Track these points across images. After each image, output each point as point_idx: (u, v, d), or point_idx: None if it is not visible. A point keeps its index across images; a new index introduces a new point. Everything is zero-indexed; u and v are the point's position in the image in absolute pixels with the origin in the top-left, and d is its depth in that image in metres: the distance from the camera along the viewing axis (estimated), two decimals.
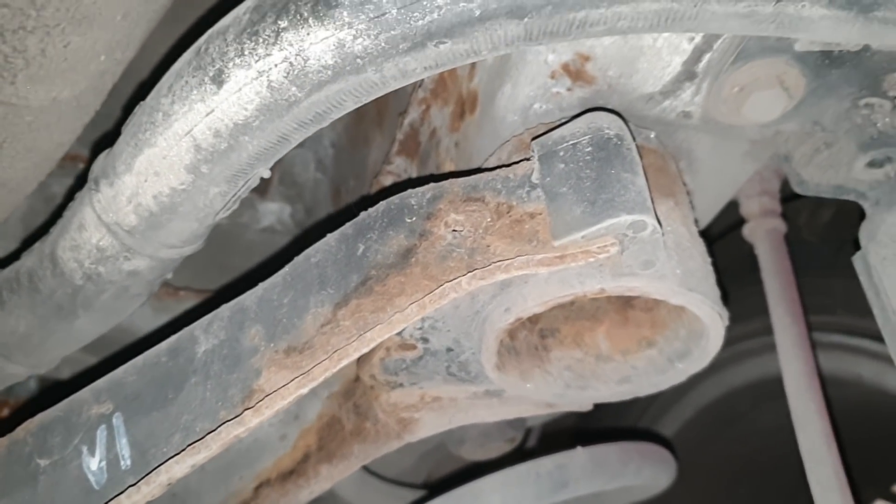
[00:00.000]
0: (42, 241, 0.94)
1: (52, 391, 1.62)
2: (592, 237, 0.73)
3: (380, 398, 0.98)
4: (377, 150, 1.33)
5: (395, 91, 1.08)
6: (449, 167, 1.04)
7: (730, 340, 1.66)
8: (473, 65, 0.98)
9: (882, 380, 1.36)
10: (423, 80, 1.09)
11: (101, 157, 0.85)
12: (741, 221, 1.37)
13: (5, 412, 1.72)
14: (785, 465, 1.79)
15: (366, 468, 1.49)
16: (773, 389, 1.70)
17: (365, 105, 0.77)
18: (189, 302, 1.45)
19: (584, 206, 0.74)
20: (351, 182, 1.46)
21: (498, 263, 0.75)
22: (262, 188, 1.62)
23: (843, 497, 0.94)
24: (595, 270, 0.77)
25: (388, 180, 1.19)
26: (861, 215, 0.95)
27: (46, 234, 0.94)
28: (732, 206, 1.38)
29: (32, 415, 0.92)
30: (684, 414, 1.80)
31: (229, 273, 1.54)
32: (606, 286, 0.78)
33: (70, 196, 1.38)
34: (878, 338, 1.39)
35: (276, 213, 1.62)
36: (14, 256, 1.08)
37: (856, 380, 1.40)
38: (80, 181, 1.37)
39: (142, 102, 0.80)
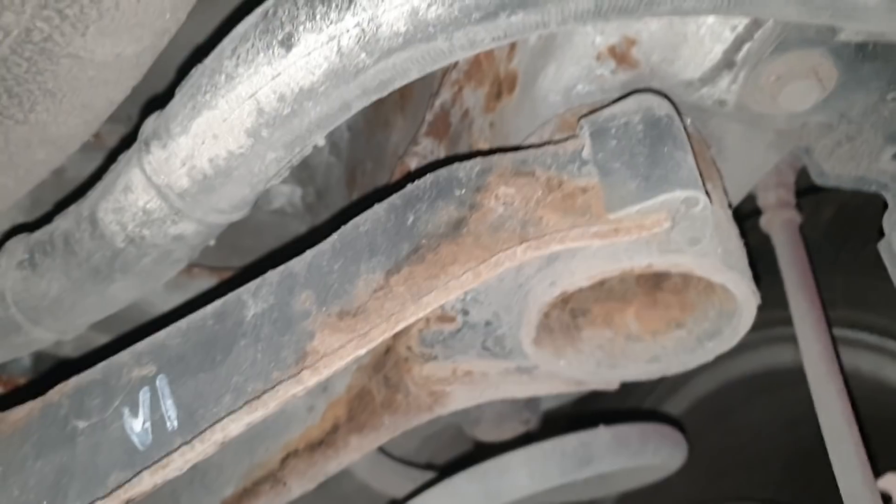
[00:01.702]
0: (79, 203, 0.94)
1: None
2: (647, 211, 0.75)
3: (412, 371, 0.99)
4: (398, 134, 1.34)
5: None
6: (483, 147, 1.06)
7: None
8: (513, 46, 1.00)
9: (880, 373, 1.40)
10: (457, 62, 1.10)
11: (152, 118, 0.85)
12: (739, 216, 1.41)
13: None
14: (775, 458, 1.84)
15: (379, 448, 1.50)
16: (766, 383, 1.74)
17: None
18: (202, 279, 1.44)
19: (638, 181, 0.76)
20: (368, 165, 1.46)
21: (553, 234, 0.76)
22: None
23: (865, 476, 0.98)
24: (643, 246, 0.79)
25: (413, 161, 1.20)
26: (871, 209, 0.98)
27: (83, 197, 0.94)
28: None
29: (29, 393, 0.91)
30: (680, 405, 1.84)
31: (240, 253, 1.54)
32: (654, 261, 0.80)
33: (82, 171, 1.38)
34: (877, 331, 1.44)
35: (287, 195, 1.62)
36: (22, 228, 1.07)
37: (854, 372, 1.44)
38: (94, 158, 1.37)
39: (200, 64, 0.81)
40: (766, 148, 1.04)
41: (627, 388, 1.95)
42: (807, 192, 1.51)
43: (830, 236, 1.48)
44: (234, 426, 0.74)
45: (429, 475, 1.55)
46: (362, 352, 0.74)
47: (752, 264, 1.39)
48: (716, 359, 1.78)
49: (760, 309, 1.40)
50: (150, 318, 1.42)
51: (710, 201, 0.77)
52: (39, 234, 0.97)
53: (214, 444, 0.74)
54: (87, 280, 0.93)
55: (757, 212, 1.32)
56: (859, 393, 1.45)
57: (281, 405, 0.74)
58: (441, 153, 1.17)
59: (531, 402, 1.28)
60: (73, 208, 0.94)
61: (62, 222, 0.95)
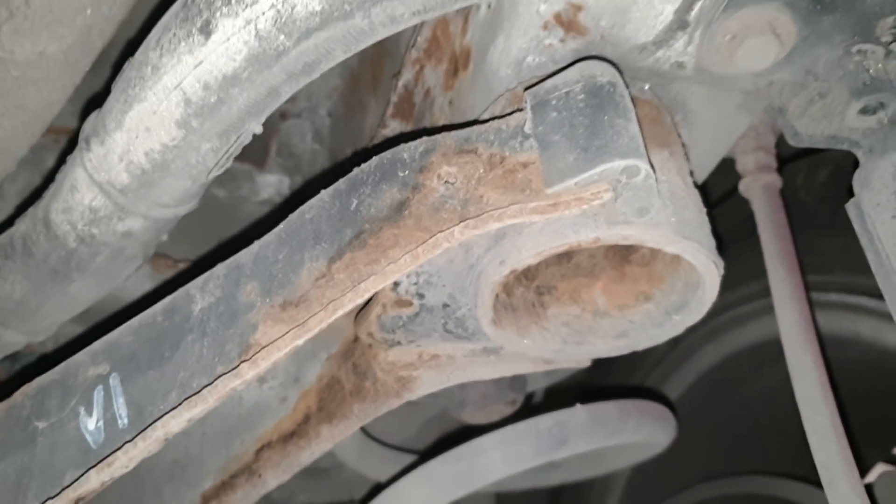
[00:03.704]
0: (35, 205, 0.94)
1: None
2: (585, 183, 0.73)
3: (378, 357, 0.98)
4: (373, 116, 1.33)
5: (390, 54, 1.07)
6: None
7: (730, 303, 1.67)
8: (466, 20, 0.98)
9: (880, 337, 1.36)
10: (416, 40, 1.08)
11: (92, 116, 0.85)
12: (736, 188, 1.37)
13: None
14: (787, 427, 1.80)
15: (368, 435, 1.50)
16: (774, 352, 1.70)
17: (360, 70, 0.77)
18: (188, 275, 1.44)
19: (576, 153, 0.74)
20: (349, 150, 1.46)
21: (491, 212, 0.74)
22: (260, 160, 1.61)
23: (840, 446, 0.95)
24: (589, 220, 0.77)
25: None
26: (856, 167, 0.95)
27: (39, 199, 0.94)
28: (731, 173, 1.38)
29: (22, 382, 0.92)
30: (686, 378, 1.81)
31: (229, 246, 1.54)
32: (601, 234, 0.77)
33: None
34: (876, 295, 1.39)
35: (274, 185, 1.62)
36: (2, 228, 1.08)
37: (854, 338, 1.40)
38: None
39: (131, 58, 0.80)
40: (735, 110, 1.01)
41: (630, 363, 1.94)
42: (801, 154, 1.47)
43: (826, 199, 1.43)
44: (174, 422, 0.73)
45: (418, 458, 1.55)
46: (300, 341, 0.73)
47: (744, 234, 1.37)
48: (721, 329, 1.75)
49: (763, 277, 1.37)
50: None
51: (655, 169, 0.75)
52: (1, 239, 0.98)
53: (157, 440, 0.74)
54: (47, 281, 0.94)
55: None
56: (859, 358, 1.41)
57: (221, 399, 0.73)
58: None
59: (515, 383, 1.27)
60: (30, 211, 0.95)
61: (21, 225, 0.95)
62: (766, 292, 1.48)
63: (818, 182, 1.46)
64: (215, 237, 1.56)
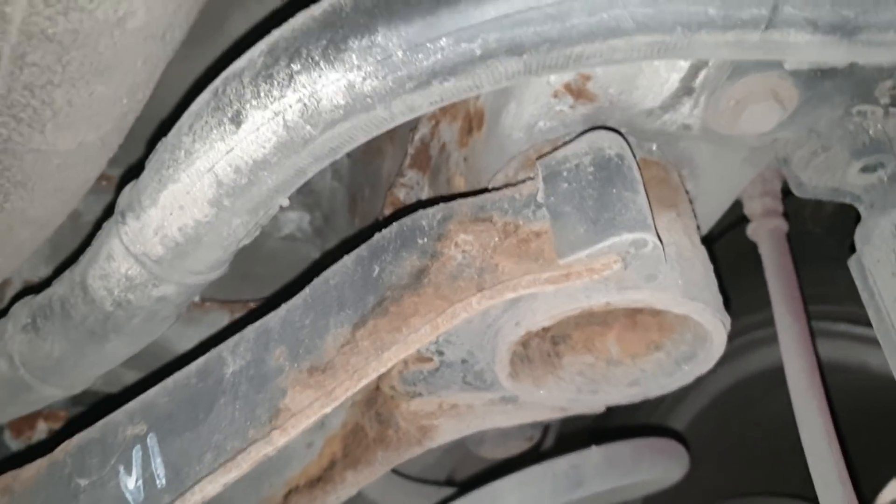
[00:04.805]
0: (72, 269, 0.99)
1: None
2: (596, 255, 0.77)
3: (400, 407, 1.02)
4: (390, 161, 1.37)
5: None
6: (459, 181, 1.08)
7: (741, 330, 1.70)
8: None
9: (888, 367, 1.38)
10: None
11: (127, 189, 0.90)
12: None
13: (40, 424, 1.78)
14: (799, 449, 1.83)
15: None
16: (783, 377, 1.73)
17: None
18: (214, 312, 1.49)
19: (587, 225, 0.78)
20: (366, 191, 1.50)
21: (506, 283, 0.78)
22: None
23: (846, 492, 0.98)
24: (601, 285, 0.81)
25: (401, 192, 1.23)
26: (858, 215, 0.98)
27: (76, 263, 0.99)
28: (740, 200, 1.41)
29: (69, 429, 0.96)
30: (698, 403, 1.84)
31: (253, 281, 1.59)
32: (612, 299, 0.81)
33: (98, 218, 1.43)
34: None
35: (295, 222, 1.67)
36: (42, 285, 1.13)
37: (862, 367, 1.43)
38: (107, 204, 1.42)
39: (163, 139, 0.84)
40: (740, 164, 1.04)
41: None
42: None
43: (834, 230, 1.46)
44: (211, 487, 0.78)
45: (440, 491, 1.58)
46: (328, 409, 0.77)
47: (755, 263, 1.39)
48: (733, 354, 1.78)
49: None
50: (169, 353, 1.48)
51: (662, 241, 0.78)
52: (40, 299, 1.03)
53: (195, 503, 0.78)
54: (85, 341, 0.98)
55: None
56: (868, 388, 1.44)
57: (254, 465, 0.77)
58: (425, 184, 1.20)
59: None
60: (66, 274, 0.99)
61: (59, 288, 1.00)
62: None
63: (826, 214, 1.49)
64: (240, 274, 1.60)
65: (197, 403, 0.86)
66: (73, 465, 0.91)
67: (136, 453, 0.86)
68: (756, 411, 1.80)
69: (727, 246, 1.60)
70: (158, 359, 1.46)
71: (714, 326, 0.87)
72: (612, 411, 1.30)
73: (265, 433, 0.78)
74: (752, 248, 1.46)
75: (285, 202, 0.86)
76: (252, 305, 1.53)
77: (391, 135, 1.38)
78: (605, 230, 0.77)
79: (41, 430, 1.80)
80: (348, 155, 1.61)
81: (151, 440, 0.86)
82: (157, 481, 0.83)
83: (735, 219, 1.67)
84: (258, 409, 0.81)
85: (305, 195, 1.68)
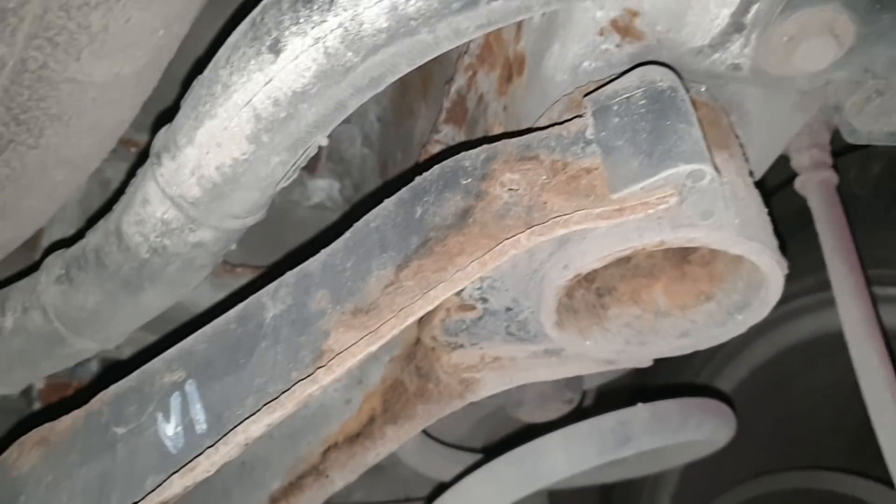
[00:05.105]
0: (106, 217, 0.97)
1: (114, 371, 1.67)
2: (651, 188, 0.74)
3: (441, 359, 0.99)
4: (423, 121, 1.35)
5: (440, 60, 1.09)
6: (498, 131, 1.05)
7: (784, 298, 1.66)
8: (519, 27, 0.99)
9: None
10: (468, 47, 1.10)
11: (162, 132, 0.88)
12: (790, 179, 1.36)
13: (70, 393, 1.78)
14: (842, 422, 1.78)
15: (427, 433, 1.52)
16: (828, 346, 1.69)
17: (409, 76, 0.78)
18: (246, 278, 1.48)
19: (641, 158, 0.75)
20: (398, 155, 1.47)
21: (557, 218, 0.75)
22: (311, 166, 1.64)
23: None
24: (654, 223, 0.78)
25: (436, 149, 1.21)
26: None
27: (110, 211, 0.97)
28: (782, 164, 1.37)
29: (81, 398, 0.95)
30: (738, 374, 1.80)
31: (283, 249, 1.57)
32: (666, 238, 0.78)
33: (126, 180, 1.42)
34: None
35: (325, 190, 1.65)
36: (74, 239, 1.12)
37: None
38: (135, 166, 1.41)
39: (200, 76, 0.82)
40: (790, 110, 1.01)
41: (682, 359, 1.93)
42: (853, 149, 1.46)
43: (880, 193, 1.42)
44: (255, 427, 0.76)
45: (476, 458, 1.56)
46: (374, 348, 0.75)
47: (798, 228, 1.36)
48: (774, 324, 1.74)
49: (817, 271, 1.36)
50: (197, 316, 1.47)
51: (719, 172, 0.75)
52: (74, 250, 1.01)
53: (237, 445, 0.76)
54: (120, 291, 0.97)
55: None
56: None
57: (299, 405, 0.75)
58: (461, 139, 1.17)
59: (572, 382, 1.28)
60: (101, 223, 0.98)
61: (92, 237, 0.98)
62: (819, 287, 1.47)
63: (871, 176, 1.45)
64: (270, 241, 1.59)
65: (237, 348, 0.84)
66: (110, 414, 0.90)
67: (175, 400, 0.85)
68: (798, 383, 1.76)
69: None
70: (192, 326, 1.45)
71: (771, 269, 0.84)
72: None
73: (309, 373, 0.75)
74: (789, 214, 1.42)
75: (324, 141, 0.84)
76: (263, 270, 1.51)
77: (424, 93, 1.35)
78: (660, 162, 0.74)
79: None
80: (378, 119, 1.59)
81: (190, 386, 0.84)
82: (198, 426, 0.81)
83: (772, 186, 1.63)
84: (301, 352, 0.79)
85: (336, 163, 1.66)
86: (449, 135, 1.19)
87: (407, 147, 1.43)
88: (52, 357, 1.07)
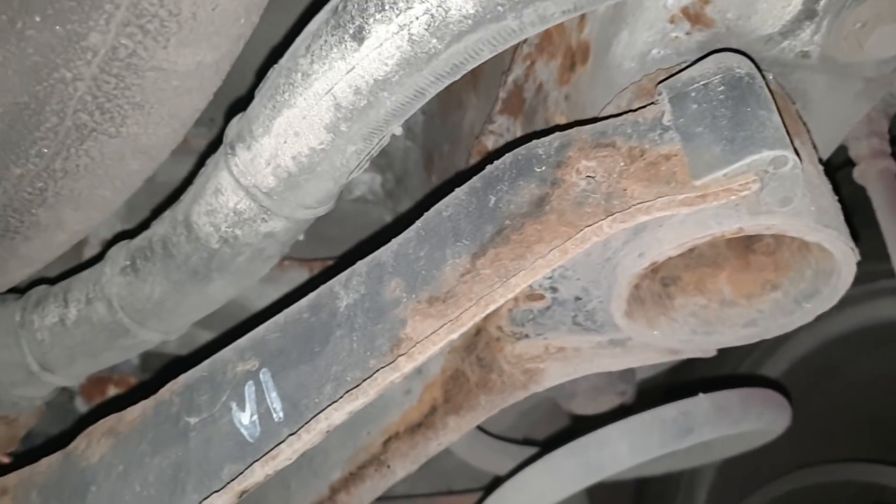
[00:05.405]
0: (173, 208, 0.97)
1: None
2: (734, 174, 0.74)
3: (504, 350, 0.99)
4: (473, 113, 1.34)
5: None
6: (559, 120, 1.05)
7: None
8: (583, 16, 0.98)
9: None
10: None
11: (235, 121, 0.88)
12: (838, 168, 1.35)
13: (111, 389, 1.79)
14: (885, 415, 1.77)
15: (478, 426, 1.52)
16: (871, 339, 1.68)
17: None
18: (293, 271, 1.48)
19: (722, 145, 0.74)
20: (445, 147, 1.47)
21: (639, 205, 0.75)
22: None
23: None
24: (732, 210, 0.78)
25: (489, 140, 1.21)
26: None
27: (176, 202, 0.97)
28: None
29: (139, 392, 0.95)
30: (779, 366, 1.80)
31: (325, 242, 1.57)
32: (744, 224, 0.78)
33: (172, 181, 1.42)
34: None
35: (367, 183, 1.65)
36: (122, 236, 1.12)
37: None
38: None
39: (275, 65, 0.82)
40: (854, 98, 1.00)
41: (723, 352, 1.93)
42: None
43: None
44: (337, 414, 0.76)
45: (527, 450, 1.56)
46: (455, 336, 0.75)
47: (849, 217, 1.35)
48: (818, 316, 1.73)
49: (861, 263, 1.35)
50: (247, 312, 1.47)
51: (801, 159, 0.75)
52: (139, 241, 1.02)
53: (320, 432, 0.76)
54: (187, 281, 0.97)
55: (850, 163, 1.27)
56: None
57: (380, 392, 0.75)
58: (517, 130, 1.17)
59: (626, 374, 1.27)
60: (168, 213, 0.98)
61: (159, 228, 0.99)
62: (865, 277, 1.46)
63: None
64: (313, 234, 1.59)
65: (311, 337, 0.84)
66: (181, 403, 0.90)
67: (249, 389, 0.85)
68: (840, 376, 1.75)
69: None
70: (236, 318, 1.45)
71: (845, 256, 0.83)
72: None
73: (390, 360, 0.76)
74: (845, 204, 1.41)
75: (398, 130, 0.84)
76: (330, 263, 1.51)
77: (475, 84, 1.35)
78: (742, 148, 0.74)
79: (112, 395, 1.80)
80: (422, 111, 1.59)
81: (265, 375, 0.84)
82: (275, 415, 0.81)
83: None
84: (378, 340, 0.79)
85: (378, 156, 1.65)
86: (503, 125, 1.19)
87: (454, 139, 1.43)
88: (113, 348, 1.08)
